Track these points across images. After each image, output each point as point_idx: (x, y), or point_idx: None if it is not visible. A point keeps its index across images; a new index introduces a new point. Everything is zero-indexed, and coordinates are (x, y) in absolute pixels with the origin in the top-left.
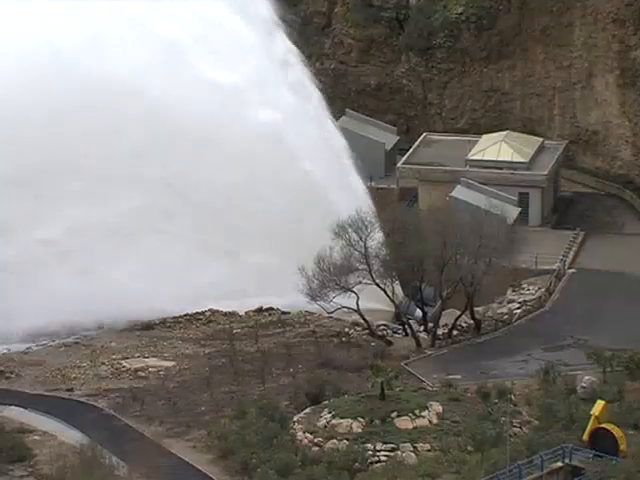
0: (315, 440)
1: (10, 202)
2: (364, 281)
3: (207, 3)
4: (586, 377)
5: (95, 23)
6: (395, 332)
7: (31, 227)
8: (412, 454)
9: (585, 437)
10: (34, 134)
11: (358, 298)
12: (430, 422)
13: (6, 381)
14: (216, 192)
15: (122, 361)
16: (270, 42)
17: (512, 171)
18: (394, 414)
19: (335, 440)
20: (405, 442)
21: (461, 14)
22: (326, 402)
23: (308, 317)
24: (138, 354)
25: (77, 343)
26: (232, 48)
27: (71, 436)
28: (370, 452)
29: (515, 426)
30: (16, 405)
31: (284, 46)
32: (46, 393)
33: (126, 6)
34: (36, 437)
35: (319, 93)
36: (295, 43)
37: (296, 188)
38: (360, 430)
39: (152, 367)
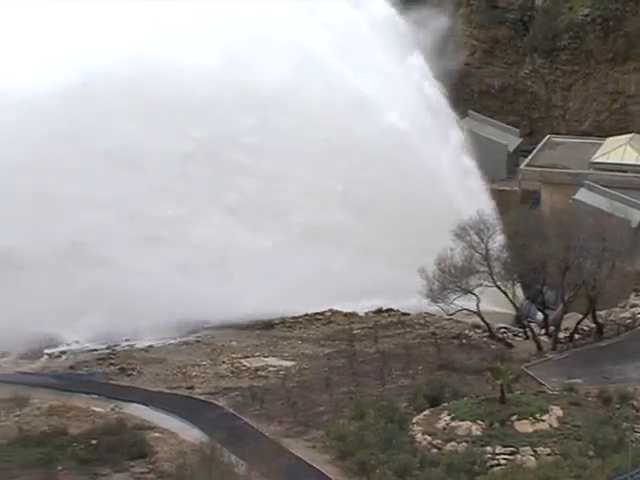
0: (434, 442)
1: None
2: (485, 283)
3: (330, 5)
4: None
5: (235, 32)
6: (516, 335)
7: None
8: (532, 458)
9: None
10: (177, 145)
11: (478, 300)
12: (550, 426)
13: (128, 378)
14: (336, 193)
15: (242, 360)
16: (394, 44)
17: (637, 174)
18: (514, 417)
19: (454, 442)
20: (525, 446)
21: (587, 15)
22: (445, 404)
23: (428, 319)
24: (258, 353)
25: (198, 341)
26: (362, 51)
27: (191, 434)
28: (489, 455)
29: (637, 431)
30: (137, 402)
31: (409, 47)
32: (167, 391)
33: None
34: (157, 434)
35: (443, 94)
36: (419, 45)
37: (417, 189)
38: (479, 433)
39: (272, 366)
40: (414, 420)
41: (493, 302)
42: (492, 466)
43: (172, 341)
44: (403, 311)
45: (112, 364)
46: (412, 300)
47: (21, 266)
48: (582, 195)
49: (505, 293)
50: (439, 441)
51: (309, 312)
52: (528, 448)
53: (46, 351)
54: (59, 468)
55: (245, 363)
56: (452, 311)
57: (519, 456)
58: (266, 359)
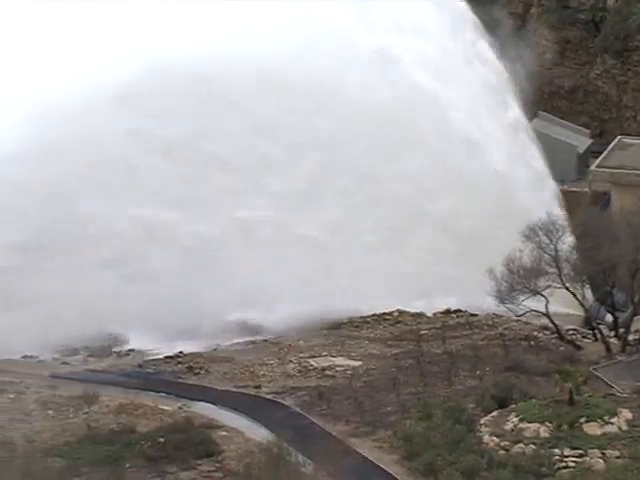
0: (502, 443)
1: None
2: (554, 285)
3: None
4: None
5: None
6: (585, 337)
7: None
8: (600, 460)
9: None
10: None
11: (547, 302)
12: (619, 429)
13: (195, 377)
14: (406, 192)
15: (309, 359)
16: (466, 43)
17: None
18: (582, 419)
19: (522, 444)
20: (593, 448)
21: None
22: (513, 405)
23: (496, 320)
24: (325, 353)
25: (265, 341)
26: (430, 46)
27: (258, 433)
28: (557, 457)
29: None
30: (205, 401)
31: (481, 47)
32: (234, 390)
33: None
34: (224, 433)
35: (513, 94)
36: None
37: (486, 190)
38: (547, 435)
39: (339, 366)
40: (482, 421)
41: (562, 303)
42: (560, 468)
43: (239, 340)
44: (471, 312)
45: (180, 363)
46: (480, 301)
47: (92, 262)
48: None
49: (574, 295)
50: (507, 442)
51: (377, 312)
52: (597, 451)
53: (114, 349)
54: (127, 466)
55: (312, 363)
56: (520, 312)
57: (587, 458)
58: (333, 359)
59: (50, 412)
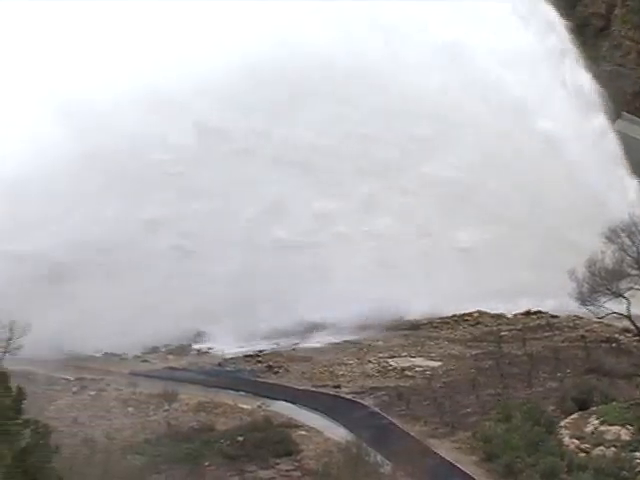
0: (582, 446)
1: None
2: (636, 287)
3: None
4: None
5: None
6: None
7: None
8: None
9: None
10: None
11: (629, 304)
12: None
13: (275, 376)
14: (490, 193)
15: (389, 360)
16: (547, 42)
17: None
18: None
19: (602, 447)
20: None
21: None
22: (594, 408)
23: (577, 321)
24: (405, 353)
25: (344, 341)
26: (513, 51)
27: (337, 433)
28: (638, 460)
29: None
30: (284, 400)
31: (562, 46)
32: (313, 389)
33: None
34: (303, 432)
35: (597, 96)
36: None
37: (569, 191)
38: (628, 438)
39: (418, 367)
40: (562, 423)
41: None
42: None
43: (319, 340)
44: (552, 313)
45: (259, 362)
46: (561, 302)
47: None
48: None
49: None
50: (587, 445)
51: (457, 313)
52: None
53: (194, 347)
54: (206, 464)
55: (392, 363)
56: (602, 314)
57: None
58: (413, 359)
59: (130, 410)
